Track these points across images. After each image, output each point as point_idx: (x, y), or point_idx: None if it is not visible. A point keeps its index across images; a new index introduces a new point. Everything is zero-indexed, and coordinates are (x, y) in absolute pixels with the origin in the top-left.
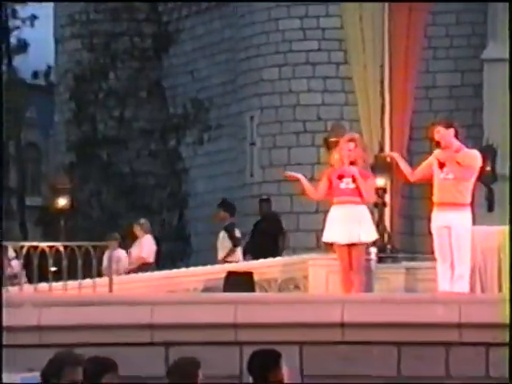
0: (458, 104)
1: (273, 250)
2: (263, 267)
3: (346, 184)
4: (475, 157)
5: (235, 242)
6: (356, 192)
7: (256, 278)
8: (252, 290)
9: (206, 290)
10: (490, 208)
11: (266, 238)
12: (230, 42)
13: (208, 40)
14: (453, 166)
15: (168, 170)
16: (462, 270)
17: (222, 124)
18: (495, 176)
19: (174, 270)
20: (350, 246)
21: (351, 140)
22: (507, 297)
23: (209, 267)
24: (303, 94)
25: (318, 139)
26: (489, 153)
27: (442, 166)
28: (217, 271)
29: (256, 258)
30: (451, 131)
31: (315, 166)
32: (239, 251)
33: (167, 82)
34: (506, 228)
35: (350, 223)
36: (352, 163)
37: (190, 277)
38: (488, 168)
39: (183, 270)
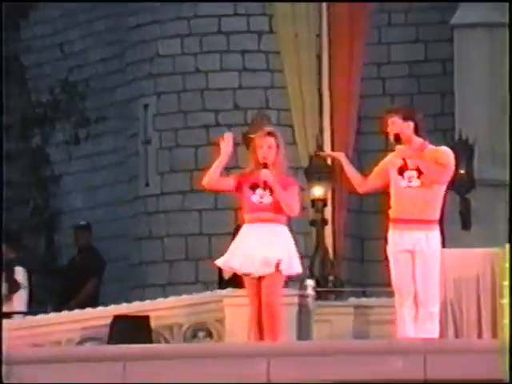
0: (421, 86)
1: (87, 296)
2: (163, 309)
3: (260, 197)
4: (449, 155)
5: (12, 288)
6: (274, 206)
7: (153, 323)
8: (148, 340)
9: (85, 340)
10: (466, 225)
11: (79, 279)
12: (115, 5)
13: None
14: (420, 169)
15: (31, 177)
16: (430, 309)
17: (105, 116)
18: (472, 182)
19: (40, 316)
20: (266, 277)
21: (270, 134)
22: (507, 340)
23: (88, 310)
24: (214, 73)
25: (236, 135)
26: (463, 150)
27: (402, 169)
28: (100, 315)
29: (60, 304)
30: (410, 125)
31: (232, 170)
32: (21, 298)
33: (28, 58)
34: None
35: (264, 248)
36: (265, 166)
37: (63, 324)
38: (462, 171)
39: (53, 314)
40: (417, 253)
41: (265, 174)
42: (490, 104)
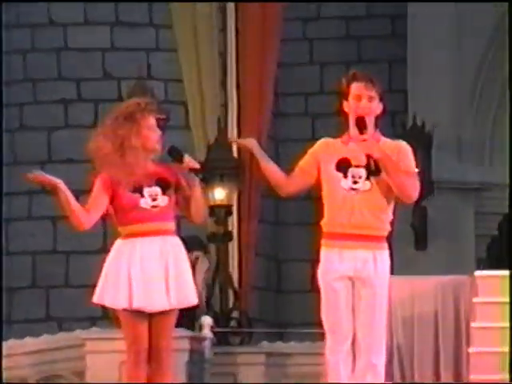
0: (361, 50)
1: None
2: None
3: (152, 199)
4: (408, 150)
5: None
6: (167, 213)
7: None
8: None
9: None
10: (420, 243)
11: None
12: None
13: None
14: (372, 167)
15: None
16: (374, 360)
17: None
18: (429, 184)
19: None
20: (154, 314)
21: (148, 105)
22: None
23: None
24: (75, 28)
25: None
26: (417, 141)
27: (345, 165)
28: None
29: None
30: (380, 106)
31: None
32: None
33: None
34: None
35: (152, 272)
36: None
37: None
38: (416, 169)
39: None
40: (360, 280)
41: (190, 162)
42: (455, 79)
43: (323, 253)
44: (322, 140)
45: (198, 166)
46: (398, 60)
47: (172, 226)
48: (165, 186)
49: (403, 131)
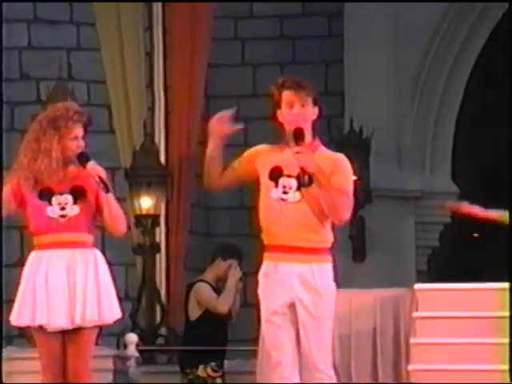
0: (296, 51)
1: None
2: None
3: (61, 208)
4: (345, 165)
5: None
6: (79, 223)
7: None
8: None
9: None
10: (358, 254)
11: None
12: None
13: None
14: (303, 178)
15: None
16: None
17: None
18: (367, 193)
19: None
20: (69, 332)
21: (76, 114)
22: None
23: None
24: None
25: (22, 120)
26: (355, 147)
27: (275, 174)
28: None
29: None
30: (316, 111)
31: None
32: None
33: None
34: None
35: (56, 288)
36: (84, 159)
37: None
38: (353, 177)
39: None
40: (302, 305)
41: (93, 168)
42: (394, 82)
43: (262, 268)
44: (260, 146)
45: (102, 173)
46: (335, 61)
47: (86, 237)
48: (78, 194)
49: (340, 136)
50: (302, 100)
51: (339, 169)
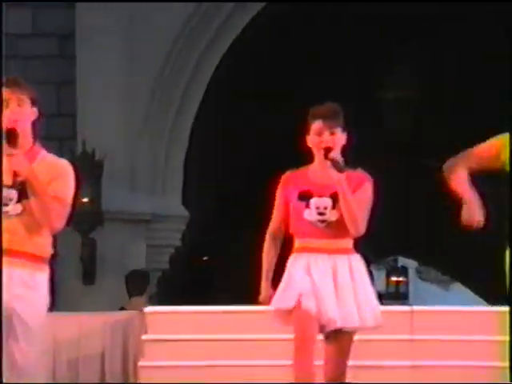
0: (30, 73)
1: None
2: None
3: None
4: (66, 173)
5: None
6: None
7: None
8: None
9: None
10: (88, 277)
11: None
12: None
13: None
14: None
15: None
16: None
17: None
18: (99, 215)
19: None
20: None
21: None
22: None
23: None
24: None
25: None
26: (87, 170)
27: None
28: None
29: None
30: (35, 112)
31: None
32: None
33: None
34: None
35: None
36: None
37: None
38: (85, 199)
39: None
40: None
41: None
42: (127, 105)
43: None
44: None
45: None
46: (67, 82)
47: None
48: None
49: (72, 158)
50: (18, 99)
51: (59, 175)
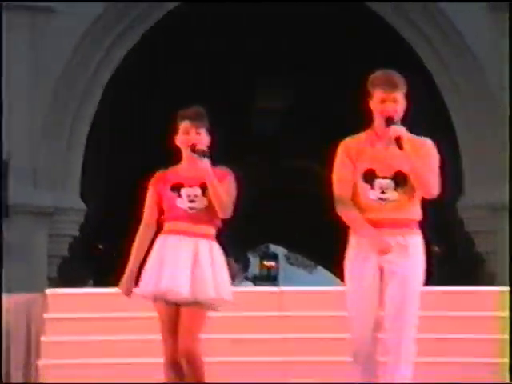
0: None
1: None
2: None
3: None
4: None
5: None
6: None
7: None
8: None
9: None
10: None
11: None
12: None
13: None
14: None
15: None
16: None
17: None
18: (5, 208)
19: None
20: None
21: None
22: None
23: None
24: None
25: None
26: None
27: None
28: None
29: None
30: None
31: None
32: None
33: None
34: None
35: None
36: None
37: None
38: None
39: None
40: None
41: None
42: (34, 110)
43: None
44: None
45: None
46: None
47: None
48: None
49: None
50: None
51: None
